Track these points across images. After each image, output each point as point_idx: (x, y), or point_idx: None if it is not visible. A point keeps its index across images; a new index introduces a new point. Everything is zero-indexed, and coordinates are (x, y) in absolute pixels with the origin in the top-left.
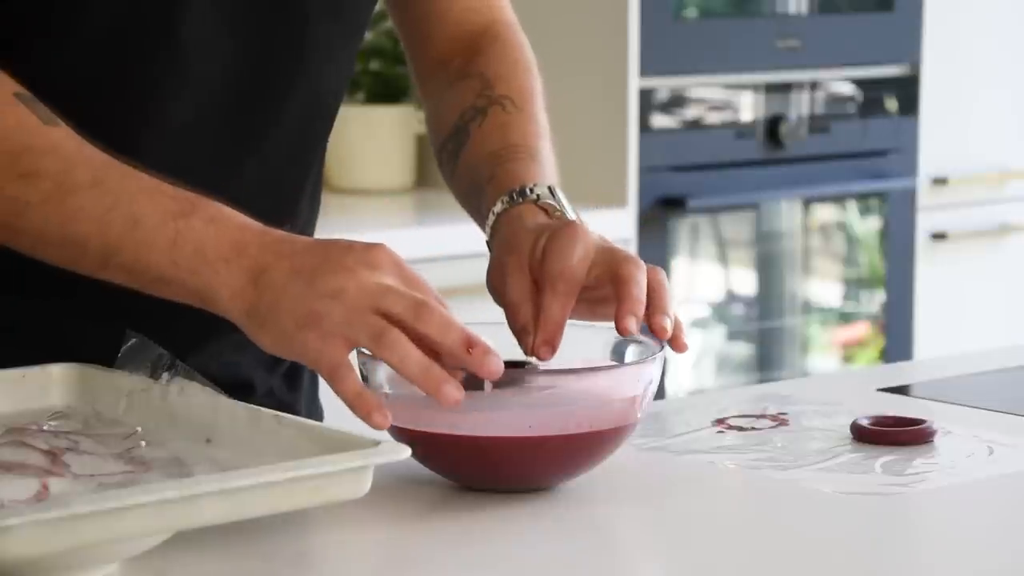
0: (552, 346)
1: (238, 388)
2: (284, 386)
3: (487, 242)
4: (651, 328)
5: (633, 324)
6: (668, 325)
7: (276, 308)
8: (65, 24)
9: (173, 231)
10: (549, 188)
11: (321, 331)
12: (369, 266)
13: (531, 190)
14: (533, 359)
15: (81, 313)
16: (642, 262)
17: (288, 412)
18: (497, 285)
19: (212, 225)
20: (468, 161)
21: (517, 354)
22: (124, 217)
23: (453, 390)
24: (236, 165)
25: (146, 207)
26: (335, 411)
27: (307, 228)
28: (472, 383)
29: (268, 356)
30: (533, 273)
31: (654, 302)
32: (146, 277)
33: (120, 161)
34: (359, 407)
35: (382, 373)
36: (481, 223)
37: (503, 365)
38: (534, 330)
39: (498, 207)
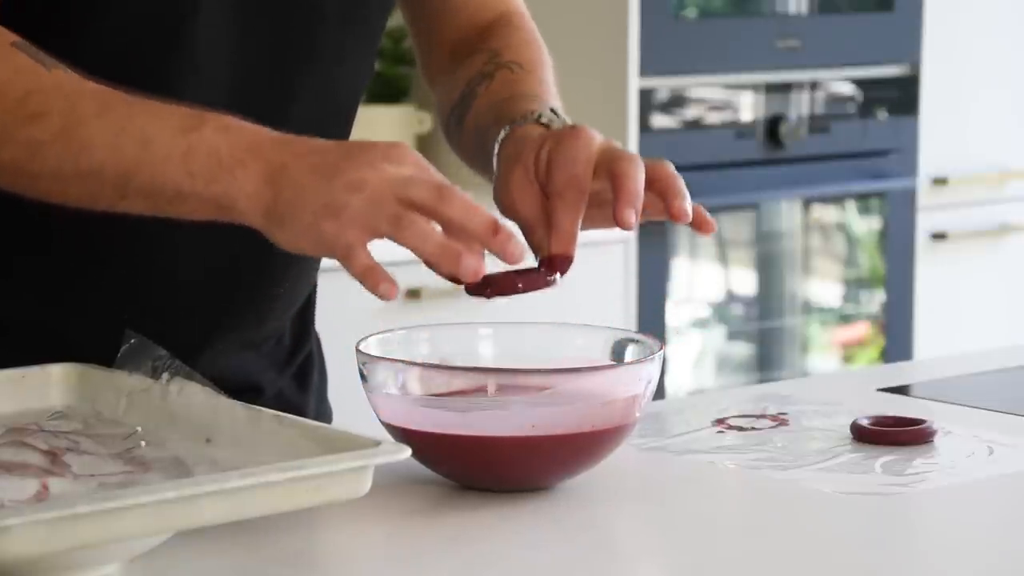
0: (568, 257)
1: (247, 390)
2: (294, 386)
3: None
4: (671, 214)
5: (631, 216)
6: (687, 207)
7: (295, 204)
8: (77, 25)
9: (185, 144)
10: (552, 109)
11: (340, 221)
12: (391, 160)
13: (533, 113)
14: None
15: (82, 313)
16: (639, 159)
17: (297, 413)
18: (504, 200)
19: (224, 133)
20: (474, 116)
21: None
22: (135, 139)
23: (473, 262)
24: None
25: (155, 126)
26: (345, 413)
27: None
28: (474, 388)
29: (278, 357)
30: (540, 182)
31: (668, 190)
32: (164, 196)
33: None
34: (368, 280)
35: (382, 373)
36: (488, 166)
37: (524, 252)
38: (547, 243)
39: (502, 134)
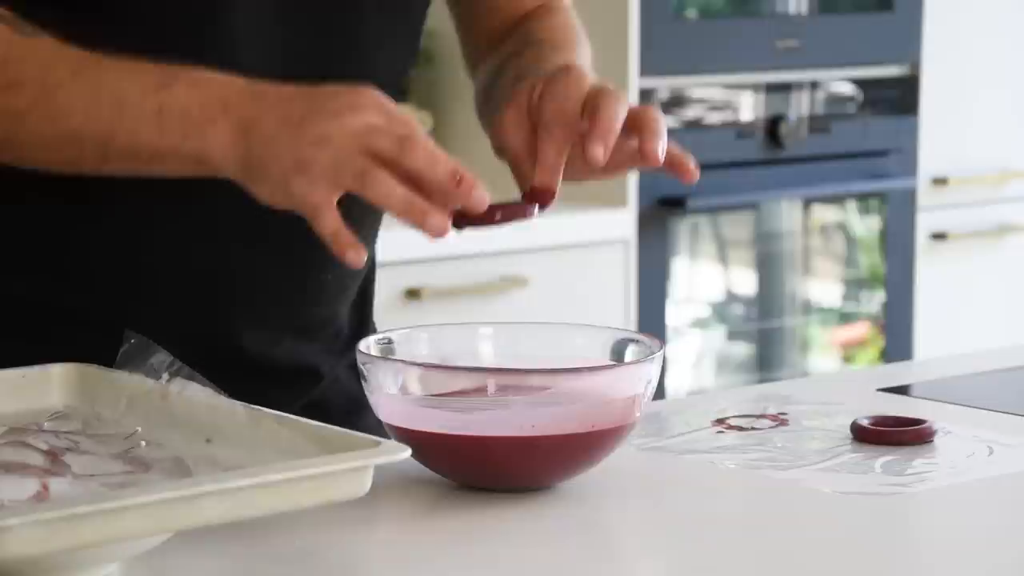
0: (550, 189)
1: (304, 374)
2: (352, 376)
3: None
4: (642, 154)
5: (599, 150)
6: (659, 149)
7: (267, 159)
8: (113, 14)
9: (157, 102)
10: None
11: (309, 177)
12: (355, 109)
13: (543, 67)
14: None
15: (131, 296)
16: (624, 98)
17: (356, 403)
18: (496, 135)
19: (195, 88)
20: (500, 91)
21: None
22: (109, 101)
23: (438, 220)
24: None
25: (128, 86)
26: None
27: (372, 227)
28: (474, 388)
29: (336, 348)
30: (531, 118)
31: (644, 130)
32: (143, 157)
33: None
34: (335, 245)
35: (382, 373)
36: None
37: (488, 198)
38: (531, 175)
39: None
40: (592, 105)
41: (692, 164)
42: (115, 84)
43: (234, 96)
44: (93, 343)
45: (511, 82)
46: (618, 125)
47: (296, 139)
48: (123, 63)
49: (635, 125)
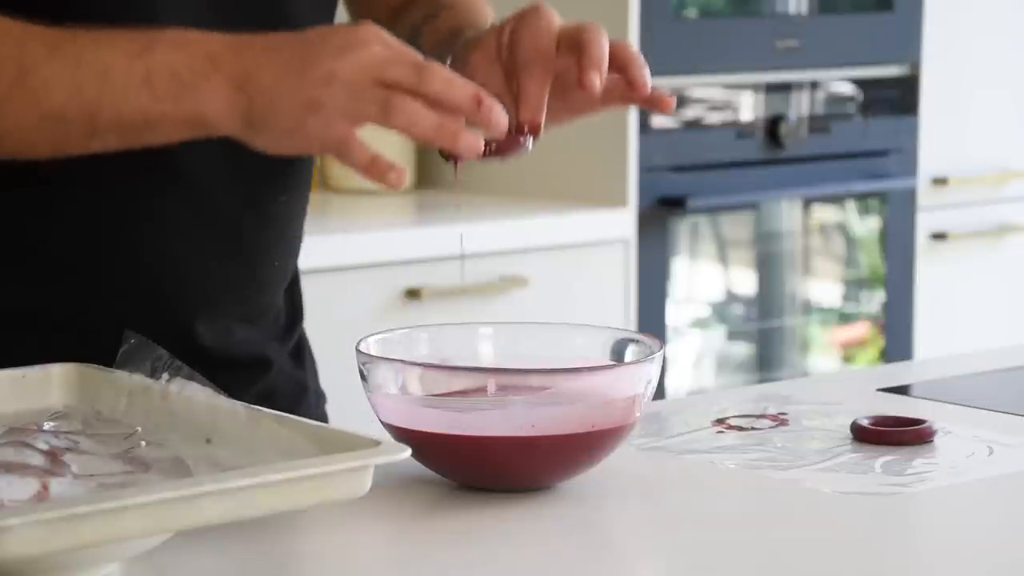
0: (536, 124)
1: (256, 364)
2: (291, 363)
3: None
4: (629, 82)
5: (596, 79)
6: (647, 77)
7: (271, 109)
8: (48, 12)
9: (143, 68)
10: None
11: (323, 116)
12: (358, 43)
13: (485, 25)
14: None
15: (82, 300)
16: (603, 29)
17: (299, 389)
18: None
19: (179, 49)
20: (425, 46)
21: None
22: (92, 73)
23: (471, 138)
24: (224, 147)
25: (109, 56)
26: (343, 413)
27: (302, 201)
28: (474, 388)
29: (277, 332)
30: (503, 62)
31: (628, 62)
32: (134, 127)
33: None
34: (374, 172)
35: (382, 373)
36: None
37: (507, 120)
38: (515, 114)
39: (456, 47)
40: (575, 39)
41: (667, 95)
42: (95, 55)
43: (221, 51)
44: (48, 338)
45: (441, 47)
46: (607, 54)
47: (300, 82)
48: (98, 34)
49: (615, 60)
